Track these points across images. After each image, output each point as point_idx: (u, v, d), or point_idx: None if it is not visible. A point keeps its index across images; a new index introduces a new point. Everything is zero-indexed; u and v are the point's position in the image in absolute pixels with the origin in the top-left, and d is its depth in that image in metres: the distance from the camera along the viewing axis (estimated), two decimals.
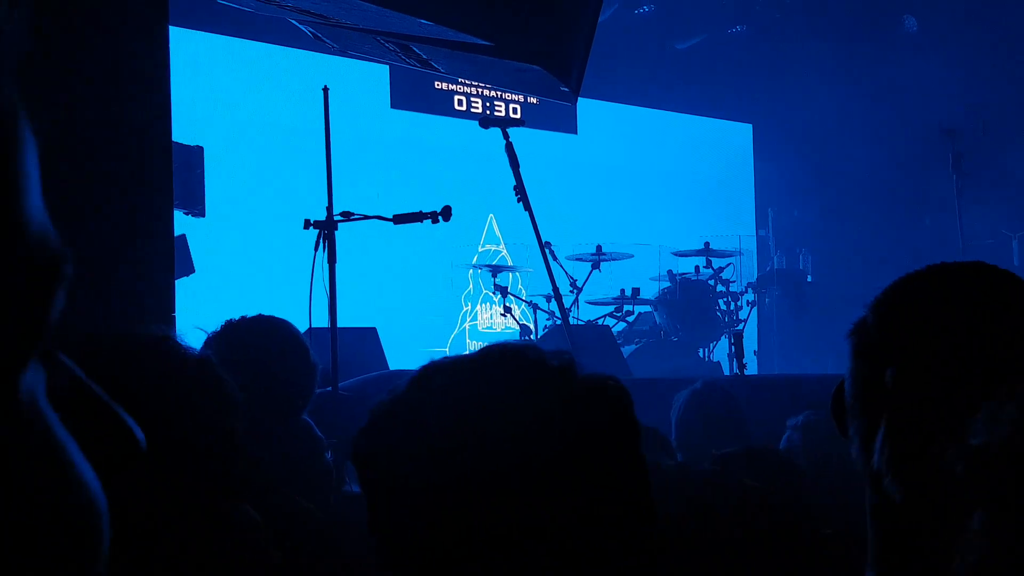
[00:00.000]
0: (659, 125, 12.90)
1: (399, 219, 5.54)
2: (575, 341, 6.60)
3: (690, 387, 4.21)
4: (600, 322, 9.75)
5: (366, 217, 5.51)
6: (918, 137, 11.00)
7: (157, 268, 3.99)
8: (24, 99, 0.65)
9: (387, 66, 10.16)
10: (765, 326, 12.11)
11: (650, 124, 12.83)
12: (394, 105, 10.77)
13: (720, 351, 10.15)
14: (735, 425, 4.01)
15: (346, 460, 3.83)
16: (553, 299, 7.26)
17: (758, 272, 12.11)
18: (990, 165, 10.65)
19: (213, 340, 3.08)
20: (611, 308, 10.07)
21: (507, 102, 11.46)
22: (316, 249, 5.27)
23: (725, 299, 10.23)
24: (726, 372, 9.35)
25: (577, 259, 9.86)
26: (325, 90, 5.46)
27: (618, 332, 9.73)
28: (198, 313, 8.51)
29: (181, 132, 4.63)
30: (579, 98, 5.94)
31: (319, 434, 3.09)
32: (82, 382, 0.80)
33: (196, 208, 6.34)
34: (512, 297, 9.31)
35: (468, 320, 11.29)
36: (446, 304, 11.08)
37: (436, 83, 10.91)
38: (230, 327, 3.11)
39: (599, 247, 9.74)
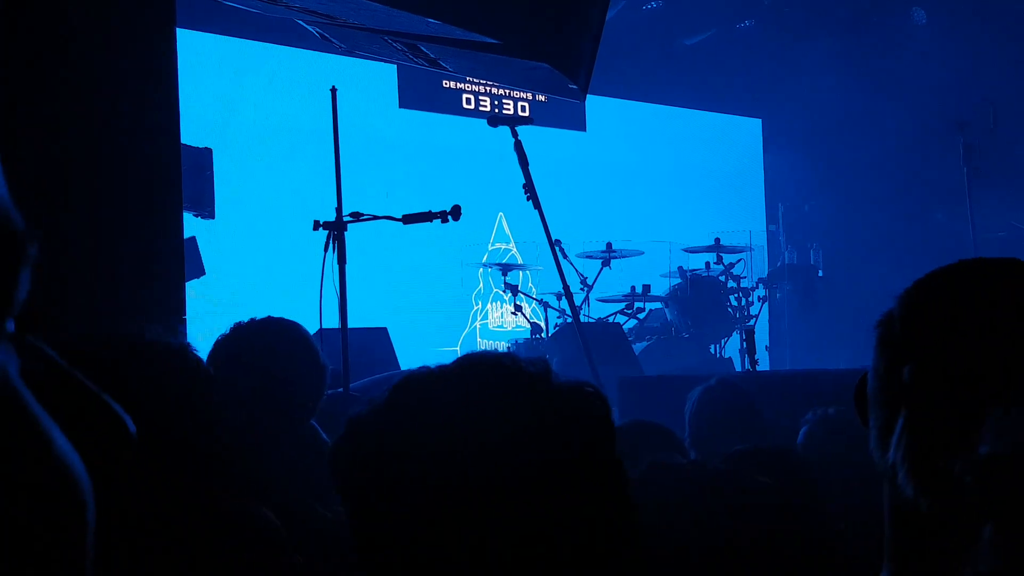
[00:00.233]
0: (668, 121, 12.88)
1: (408, 219, 5.54)
2: (586, 339, 6.58)
3: (704, 384, 4.19)
4: (611, 319, 9.75)
5: (375, 217, 5.51)
6: (928, 130, 10.97)
7: (168, 271, 4.00)
8: (26, 98, 0.65)
9: (395, 65, 10.15)
10: (776, 321, 12.10)
11: (659, 120, 12.81)
12: (402, 105, 10.77)
13: (731, 347, 10.14)
14: (749, 423, 3.99)
15: None
16: (564, 297, 7.25)
17: (769, 267, 12.09)
18: (1001, 158, 10.61)
19: (222, 342, 3.08)
20: (622, 305, 10.06)
21: (515, 100, 11.44)
22: (326, 250, 5.27)
23: (736, 295, 10.21)
24: (738, 368, 9.34)
25: (587, 256, 9.85)
26: (333, 91, 5.45)
27: (629, 329, 9.72)
28: (208, 315, 8.54)
29: (189, 134, 4.63)
30: (587, 95, 5.92)
31: (325, 438, 3.09)
32: (70, 374, 0.79)
33: (206, 210, 6.34)
34: (523, 295, 9.31)
35: (479, 319, 11.28)
36: (457, 303, 11.07)
37: (444, 82, 10.90)
38: (239, 329, 3.11)
39: (609, 244, 9.73)
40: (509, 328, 11.01)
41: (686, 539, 2.35)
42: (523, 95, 11.40)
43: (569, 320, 8.31)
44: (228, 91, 9.55)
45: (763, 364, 9.46)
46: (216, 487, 1.67)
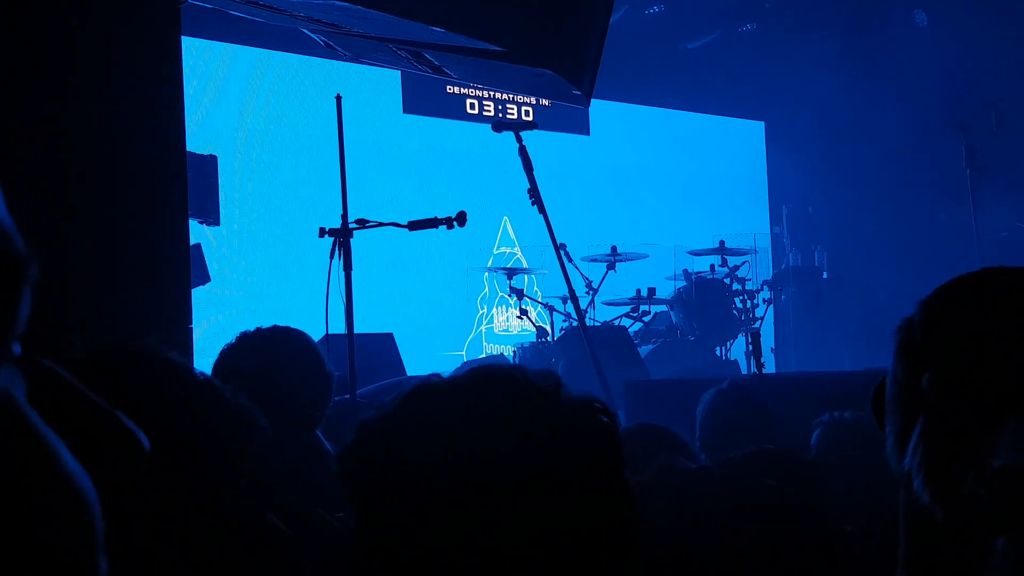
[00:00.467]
0: (671, 125, 12.88)
1: (414, 226, 5.55)
2: (592, 342, 6.59)
3: (716, 387, 4.18)
4: (616, 323, 9.75)
5: (381, 224, 5.52)
6: (931, 131, 10.96)
7: (173, 278, 4.00)
8: (32, 107, 0.65)
9: (399, 71, 10.17)
10: (781, 323, 12.09)
11: (662, 124, 12.81)
12: (406, 110, 10.78)
13: (737, 350, 10.14)
14: (760, 426, 3.97)
15: None
16: (569, 300, 7.26)
17: (773, 270, 12.07)
18: (1004, 158, 10.60)
19: (228, 352, 3.08)
20: (627, 308, 10.06)
21: (519, 105, 11.45)
22: (332, 257, 5.28)
23: (741, 297, 10.21)
24: (744, 371, 9.33)
25: (592, 260, 9.85)
26: (338, 98, 5.46)
27: (634, 332, 9.72)
28: (214, 322, 8.54)
29: (194, 141, 4.65)
30: (591, 100, 5.93)
31: (328, 447, 3.09)
32: (83, 392, 0.80)
33: (210, 217, 6.34)
34: (528, 299, 9.31)
35: (484, 323, 11.29)
36: (462, 308, 11.08)
37: (448, 87, 10.91)
38: (245, 339, 3.11)
39: (614, 248, 9.74)
40: (515, 332, 11.01)
41: (693, 542, 2.35)
42: (527, 100, 11.41)
43: (575, 324, 8.31)
44: (233, 98, 9.56)
45: (769, 366, 9.45)
46: (228, 498, 1.68)
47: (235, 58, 9.59)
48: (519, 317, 9.40)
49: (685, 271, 10.31)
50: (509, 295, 9.37)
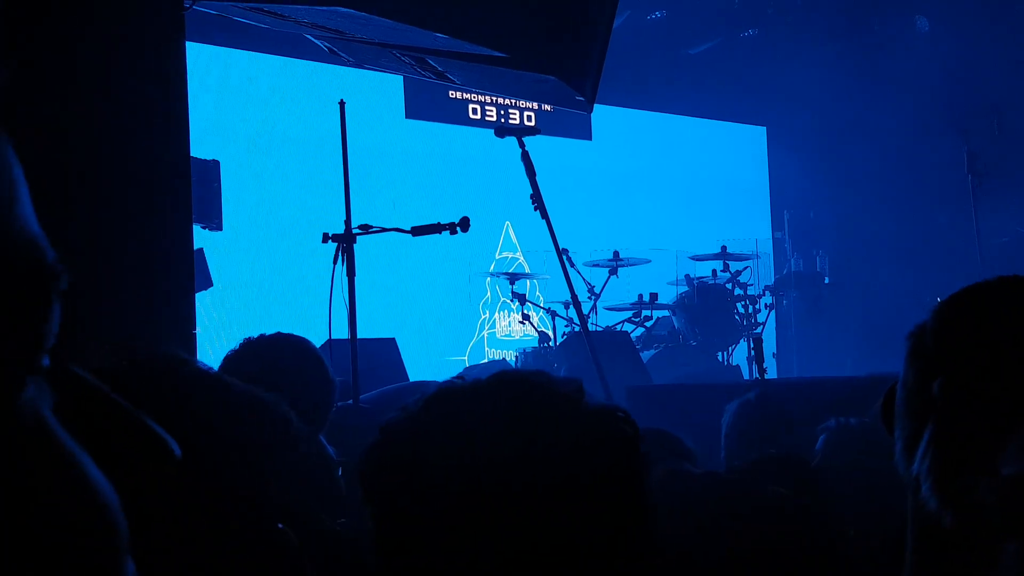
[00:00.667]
0: (673, 130, 12.89)
1: (417, 231, 5.55)
2: (594, 347, 6.59)
3: (743, 397, 4.15)
4: (618, 328, 9.74)
5: (384, 230, 5.53)
6: (933, 137, 10.96)
7: (177, 283, 4.01)
8: (35, 113, 0.65)
9: (401, 77, 10.17)
10: (783, 329, 12.09)
11: (664, 129, 12.82)
12: (408, 115, 10.78)
13: (739, 355, 10.13)
14: (784, 438, 3.93)
15: None
16: (571, 306, 7.25)
17: (775, 275, 12.07)
18: (1005, 164, 10.60)
19: (232, 357, 3.09)
20: (629, 314, 10.06)
21: (521, 110, 11.46)
22: (335, 262, 5.28)
23: (743, 302, 10.20)
24: (745, 376, 9.33)
25: (594, 265, 9.85)
26: (342, 104, 5.47)
27: (636, 337, 9.72)
28: (217, 327, 8.55)
29: (197, 146, 4.65)
30: (593, 106, 5.94)
31: (331, 452, 3.09)
32: (113, 400, 0.80)
33: (213, 222, 6.35)
34: (530, 304, 9.31)
35: (486, 328, 11.29)
36: (464, 313, 11.08)
37: (450, 92, 10.92)
38: (249, 345, 3.12)
39: (616, 253, 9.74)
40: (517, 337, 11.02)
41: (697, 547, 2.35)
42: (529, 105, 11.42)
43: (577, 329, 8.31)
44: (235, 103, 9.57)
45: (770, 372, 9.45)
46: (245, 506, 1.68)
47: (238, 63, 9.60)
48: (521, 322, 9.40)
49: (687, 276, 10.31)
50: (511, 300, 9.37)
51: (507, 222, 11.31)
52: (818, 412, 4.12)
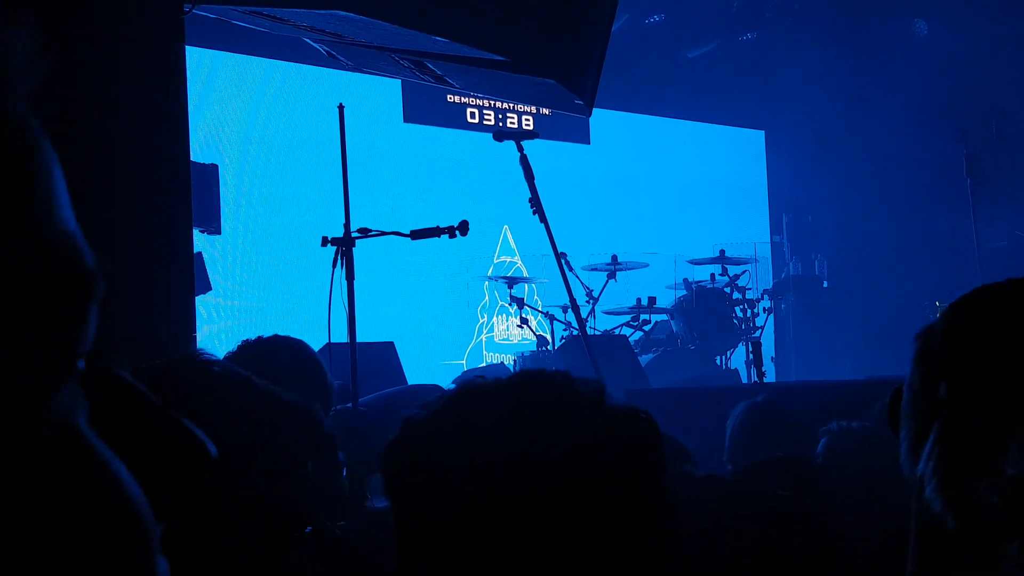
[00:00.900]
0: (672, 133, 12.90)
1: (416, 235, 5.55)
2: (592, 351, 6.59)
3: (749, 400, 4.15)
4: (617, 332, 9.75)
5: (383, 233, 5.52)
6: (931, 140, 10.98)
7: (177, 287, 4.01)
8: (43, 119, 0.65)
9: (399, 81, 10.18)
10: (782, 333, 12.09)
11: (662, 133, 12.83)
12: (407, 119, 10.79)
13: (737, 359, 10.14)
14: (790, 443, 3.92)
15: (366, 476, 3.83)
16: (569, 309, 7.26)
17: (774, 279, 12.08)
18: (1004, 167, 10.61)
19: (229, 360, 3.08)
20: (627, 318, 10.06)
21: (519, 114, 11.47)
22: (334, 266, 5.28)
23: (741, 306, 10.21)
24: (744, 380, 9.33)
25: (593, 269, 9.86)
26: (341, 108, 5.47)
27: (635, 341, 9.73)
28: (216, 331, 8.54)
29: (196, 150, 4.66)
30: (592, 109, 5.94)
31: (338, 455, 3.08)
32: (150, 400, 0.80)
33: (212, 226, 6.36)
34: (528, 308, 9.31)
35: (485, 332, 11.29)
36: (462, 316, 11.08)
37: (448, 96, 10.92)
38: (246, 347, 3.11)
39: (614, 257, 9.74)
40: (515, 341, 11.02)
41: (699, 549, 2.35)
42: (527, 109, 11.43)
43: (575, 333, 8.31)
44: (234, 108, 9.58)
45: (769, 375, 9.45)
46: (276, 509, 1.68)
47: (237, 67, 9.60)
48: (519, 326, 9.40)
49: (685, 280, 10.31)
50: (510, 304, 9.37)
51: (505, 226, 11.31)
52: (817, 416, 4.12)
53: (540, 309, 9.58)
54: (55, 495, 0.62)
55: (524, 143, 6.60)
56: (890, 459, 1.30)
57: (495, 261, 11.32)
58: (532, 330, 9.32)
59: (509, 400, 1.26)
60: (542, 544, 1.18)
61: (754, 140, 13.76)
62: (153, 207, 3.90)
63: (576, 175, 11.80)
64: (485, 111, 11.29)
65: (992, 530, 1.05)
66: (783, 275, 11.94)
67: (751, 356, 8.24)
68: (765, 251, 12.49)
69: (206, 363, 1.74)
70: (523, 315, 9.24)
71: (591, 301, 9.57)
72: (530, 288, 10.55)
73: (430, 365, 9.88)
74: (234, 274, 9.15)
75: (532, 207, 6.46)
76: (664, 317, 10.30)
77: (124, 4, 3.87)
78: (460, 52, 4.81)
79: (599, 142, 12.27)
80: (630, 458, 1.24)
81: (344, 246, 5.30)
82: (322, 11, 4.48)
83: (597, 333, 9.24)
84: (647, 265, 10.09)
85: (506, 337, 11.29)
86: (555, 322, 9.21)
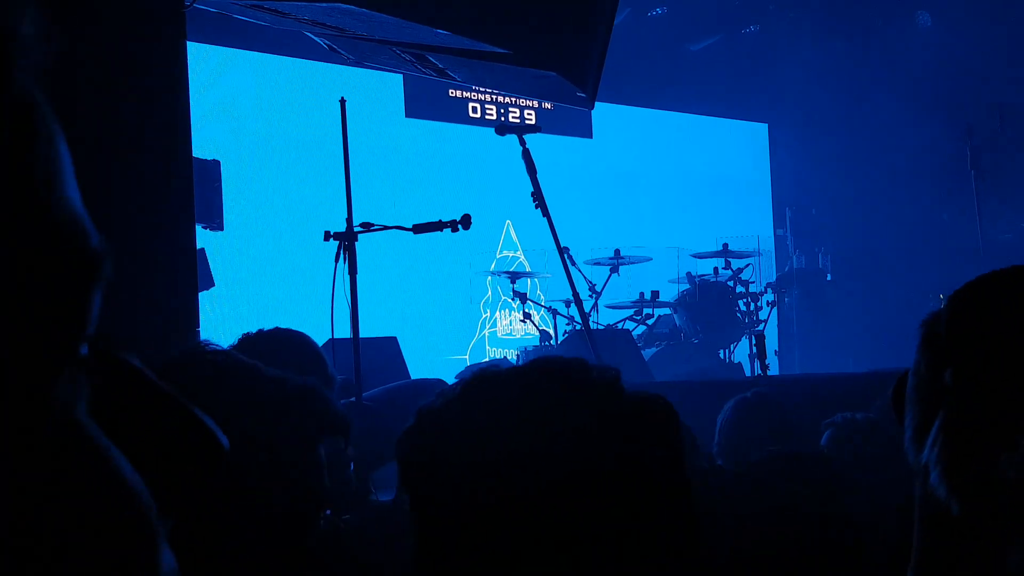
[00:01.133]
0: (674, 127, 12.89)
1: (419, 229, 5.54)
2: (595, 346, 6.59)
3: (739, 395, 4.15)
4: (620, 326, 9.74)
5: (386, 228, 5.52)
6: (935, 133, 10.96)
7: (180, 283, 4.01)
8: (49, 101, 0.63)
9: (400, 75, 10.17)
10: (785, 326, 12.09)
11: (665, 126, 12.82)
12: (409, 114, 10.78)
13: (741, 352, 10.13)
14: (782, 437, 3.93)
15: (371, 471, 3.83)
16: (572, 304, 7.25)
17: (777, 272, 12.08)
18: (1008, 160, 10.60)
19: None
20: (630, 312, 10.05)
21: (522, 108, 11.46)
22: (337, 261, 5.27)
23: (745, 300, 10.20)
24: (747, 373, 9.33)
25: (595, 263, 9.85)
26: (342, 102, 5.46)
27: (638, 336, 9.71)
28: (219, 327, 8.54)
29: (198, 146, 4.65)
30: (595, 102, 5.93)
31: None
32: (161, 388, 0.79)
33: (214, 222, 6.36)
34: (531, 303, 9.30)
35: (487, 327, 11.29)
36: (465, 311, 11.08)
37: (450, 91, 10.92)
38: (247, 340, 3.10)
39: (617, 251, 9.73)
40: (518, 336, 11.01)
41: (710, 543, 2.35)
42: (530, 103, 11.42)
43: (578, 327, 8.30)
44: (236, 103, 9.57)
45: (772, 369, 9.45)
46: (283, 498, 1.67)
47: (238, 62, 9.60)
48: (522, 321, 9.40)
49: (688, 274, 10.30)
50: (512, 299, 9.37)
51: (508, 221, 11.31)
52: (821, 408, 4.11)
53: (543, 304, 9.58)
54: (53, 487, 0.61)
55: (526, 137, 6.59)
56: (894, 450, 1.29)
57: (498, 256, 11.32)
58: (535, 325, 9.32)
59: (525, 387, 1.25)
60: (562, 532, 1.17)
61: (757, 133, 13.75)
62: (155, 203, 3.89)
63: (578, 169, 11.80)
64: (487, 105, 11.28)
65: (1005, 511, 1.05)
66: (786, 268, 11.94)
67: (754, 350, 8.23)
68: (768, 245, 12.49)
69: (212, 354, 1.74)
70: (526, 310, 9.23)
71: (594, 295, 9.56)
72: (533, 283, 10.55)
73: (433, 360, 9.88)
74: (237, 270, 9.15)
75: (534, 201, 6.46)
76: (667, 311, 10.29)
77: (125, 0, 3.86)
78: (462, 45, 4.80)
79: (601, 136, 12.26)
80: (649, 444, 1.23)
81: (346, 241, 5.29)
82: (323, 4, 4.47)
83: (600, 327, 9.23)
84: (650, 259, 10.08)
85: (509, 332, 11.28)
86: (558, 317, 9.20)
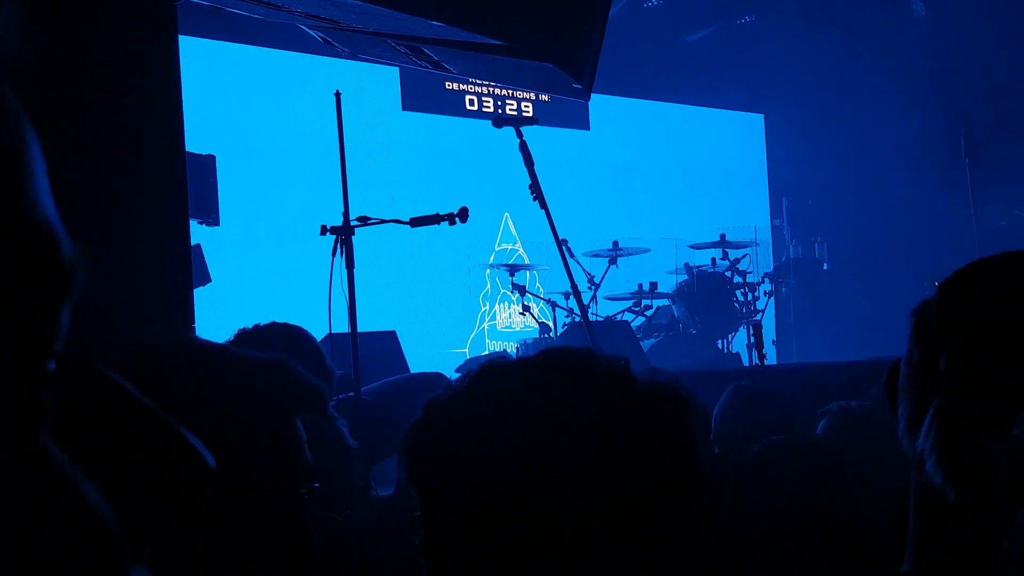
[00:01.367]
0: (671, 118, 12.88)
1: (416, 222, 5.53)
2: (595, 337, 6.58)
3: (735, 384, 4.16)
4: (619, 317, 9.74)
5: (383, 221, 5.51)
6: (930, 121, 10.96)
7: (175, 280, 4.00)
8: (29, 106, 0.60)
9: (397, 68, 10.16)
10: (782, 315, 12.09)
11: (662, 117, 12.82)
12: (405, 107, 10.77)
13: (739, 342, 10.14)
14: (778, 425, 3.93)
15: (370, 465, 3.83)
16: (571, 296, 7.25)
17: (774, 262, 12.08)
18: (1002, 147, 10.60)
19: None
20: (629, 303, 10.06)
21: (519, 100, 11.45)
22: (334, 255, 5.27)
23: (742, 290, 10.22)
24: (745, 363, 9.33)
25: (594, 255, 9.85)
26: (337, 95, 5.45)
27: (637, 327, 9.72)
28: (216, 324, 8.54)
29: (192, 141, 4.63)
30: (591, 94, 5.91)
31: (346, 443, 3.07)
32: (141, 405, 0.75)
33: (210, 217, 6.34)
34: (530, 295, 9.30)
35: (487, 320, 11.28)
36: (464, 305, 11.08)
37: (447, 84, 10.90)
38: (243, 335, 3.10)
39: (615, 242, 9.74)
40: (517, 328, 11.01)
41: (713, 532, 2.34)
42: (526, 95, 11.40)
43: (577, 319, 8.30)
44: (231, 97, 9.56)
45: (770, 358, 9.45)
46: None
47: (232, 57, 9.58)
48: (521, 313, 9.39)
49: (686, 265, 10.31)
50: (511, 291, 9.37)
51: (506, 213, 11.30)
52: (818, 397, 4.12)
53: (542, 296, 9.58)
54: (12, 515, 0.57)
55: (524, 129, 6.58)
56: (889, 438, 1.29)
57: (496, 248, 11.31)
58: (534, 317, 9.32)
59: (534, 379, 1.24)
60: (574, 522, 1.16)
61: (754, 124, 13.75)
62: (150, 199, 3.88)
63: (576, 161, 11.79)
64: (484, 98, 11.27)
65: (998, 496, 1.04)
66: (783, 258, 11.94)
67: (752, 339, 8.24)
68: (765, 235, 12.49)
69: (172, 342, 1.71)
70: (525, 302, 9.23)
71: (592, 287, 9.56)
72: (532, 275, 10.54)
73: (433, 354, 9.88)
74: (233, 265, 9.14)
75: (532, 194, 6.45)
76: (665, 302, 10.30)
77: None
78: (457, 37, 4.79)
79: (599, 128, 12.25)
80: (659, 434, 1.22)
81: (343, 235, 5.28)
82: None
83: (599, 319, 9.23)
84: (648, 250, 10.08)
85: (508, 325, 11.28)
86: (557, 309, 9.21)
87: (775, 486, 2.46)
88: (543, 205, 6.41)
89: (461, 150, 11.04)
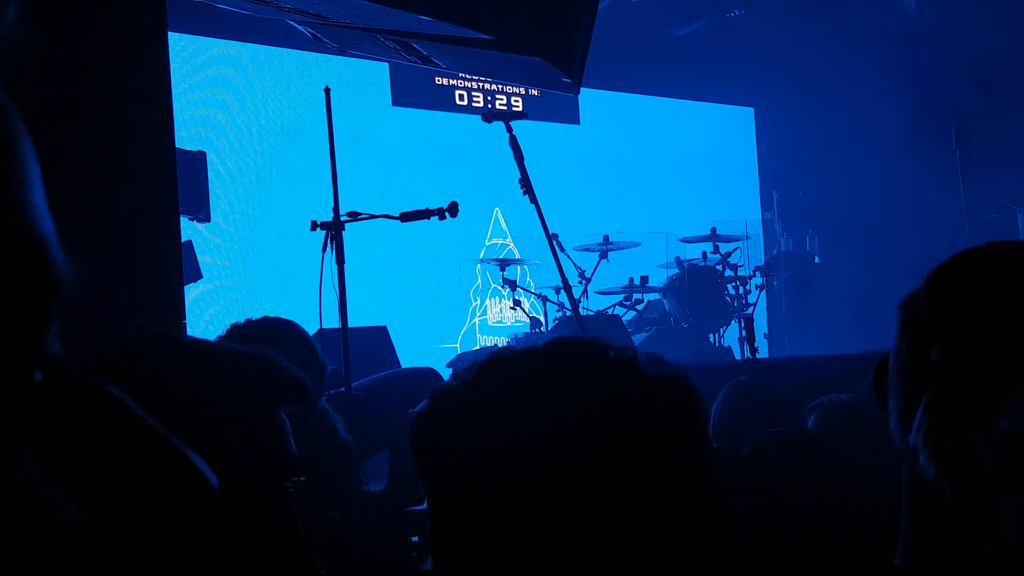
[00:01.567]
0: (661, 112, 12.88)
1: (406, 217, 5.53)
2: (585, 332, 6.58)
3: (733, 380, 4.17)
4: (610, 312, 9.75)
5: (373, 216, 5.50)
6: (920, 114, 10.97)
7: (166, 276, 3.99)
8: (21, 105, 0.59)
9: (387, 64, 10.14)
10: (774, 309, 12.11)
11: (652, 111, 12.81)
12: (395, 103, 10.76)
13: (730, 335, 10.15)
14: (775, 420, 3.93)
15: (361, 460, 3.82)
16: (562, 290, 7.25)
17: (765, 255, 12.10)
18: (992, 139, 10.61)
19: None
20: (620, 297, 10.07)
21: (508, 95, 11.44)
22: (324, 250, 5.26)
23: (733, 283, 10.22)
24: (737, 356, 9.35)
25: (585, 249, 9.85)
26: (327, 91, 5.44)
27: (628, 321, 9.73)
28: (207, 319, 8.52)
29: (182, 138, 4.63)
30: (580, 88, 5.91)
31: (342, 439, 3.07)
32: (140, 421, 0.73)
33: (200, 214, 6.34)
34: (521, 290, 9.30)
35: (478, 315, 11.28)
36: (455, 300, 11.07)
37: (436, 79, 10.90)
38: (235, 330, 3.10)
39: (606, 237, 9.74)
40: (508, 323, 11.01)
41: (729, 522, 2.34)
42: (516, 90, 11.40)
43: (568, 313, 8.30)
44: (220, 94, 9.54)
45: (762, 351, 9.46)
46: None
47: (221, 53, 9.56)
48: (512, 308, 9.40)
49: (677, 258, 10.31)
50: (502, 286, 9.37)
51: (496, 208, 11.29)
52: (810, 390, 4.12)
53: (533, 291, 9.58)
54: None
55: (513, 124, 6.57)
56: (881, 431, 1.28)
57: (487, 243, 11.31)
58: (525, 312, 9.32)
59: (541, 369, 1.22)
60: (582, 513, 1.15)
61: (744, 117, 13.75)
62: (140, 196, 3.87)
63: (566, 155, 11.79)
64: (474, 93, 11.26)
65: (987, 486, 1.04)
66: (774, 251, 11.96)
67: (744, 333, 8.25)
68: (756, 228, 12.50)
69: (154, 337, 1.70)
70: (516, 297, 9.23)
71: (583, 281, 9.56)
72: (522, 270, 10.54)
73: (424, 349, 9.87)
74: (224, 262, 9.13)
75: (522, 188, 6.44)
76: (657, 296, 10.30)
77: None
78: (446, 32, 4.78)
79: (588, 122, 12.25)
80: (667, 425, 1.21)
81: (333, 230, 5.28)
82: None
83: (590, 313, 9.24)
84: (639, 244, 10.08)
85: (499, 319, 11.28)
86: (548, 303, 9.21)
87: (767, 479, 2.47)
88: (533, 199, 6.41)
89: (451, 145, 11.03)
